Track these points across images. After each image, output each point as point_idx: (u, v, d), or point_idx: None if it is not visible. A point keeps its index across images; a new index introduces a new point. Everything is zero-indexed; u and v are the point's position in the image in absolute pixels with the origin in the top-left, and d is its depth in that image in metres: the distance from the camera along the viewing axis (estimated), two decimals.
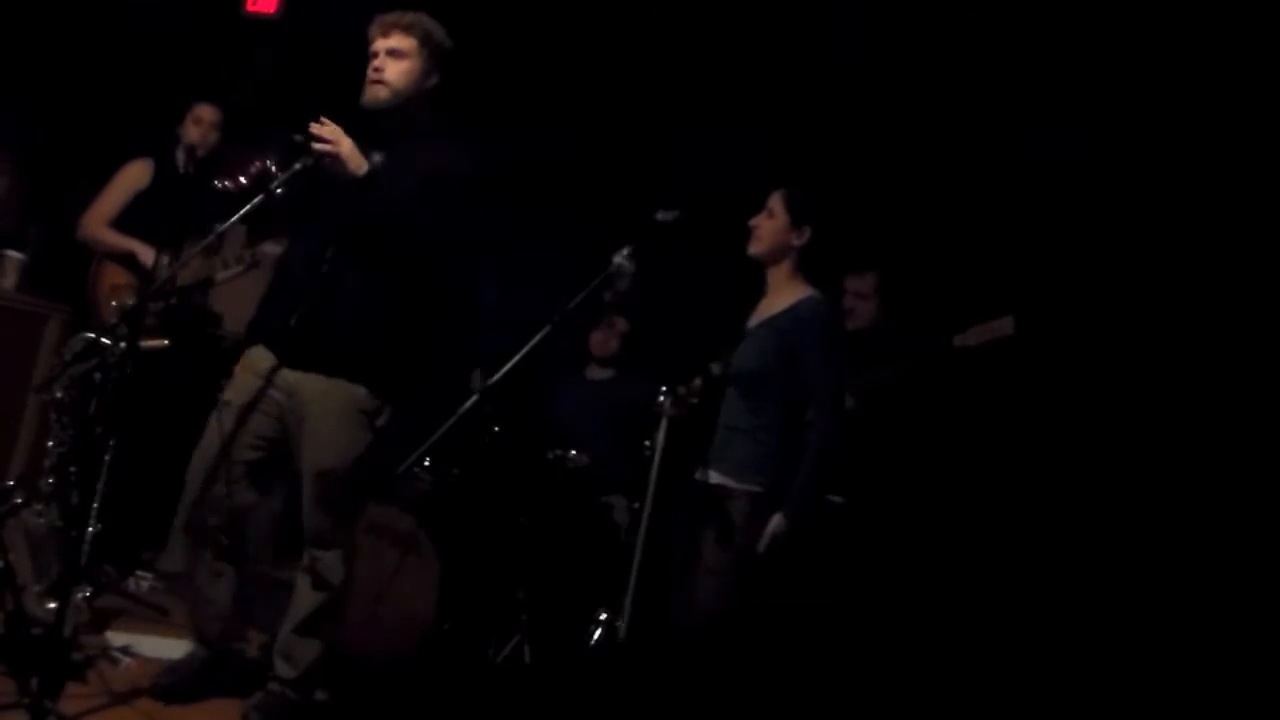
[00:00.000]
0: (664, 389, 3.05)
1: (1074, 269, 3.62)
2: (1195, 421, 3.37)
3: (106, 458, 2.85)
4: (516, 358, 2.91)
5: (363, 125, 2.73)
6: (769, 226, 3.01)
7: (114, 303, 3.66)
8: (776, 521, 2.84)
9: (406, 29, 2.79)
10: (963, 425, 3.57)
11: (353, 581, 3.50)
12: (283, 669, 2.83)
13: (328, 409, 2.76)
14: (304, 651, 2.83)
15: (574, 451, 3.94)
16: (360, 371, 2.78)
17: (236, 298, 4.46)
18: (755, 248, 3.04)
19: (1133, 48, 3.59)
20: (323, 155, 2.57)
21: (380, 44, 2.80)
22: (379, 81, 2.77)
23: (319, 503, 2.79)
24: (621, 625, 2.87)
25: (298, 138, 2.63)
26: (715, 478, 2.95)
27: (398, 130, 2.80)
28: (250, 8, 4.88)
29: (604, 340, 4.39)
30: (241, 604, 2.96)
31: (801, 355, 2.91)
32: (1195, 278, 3.44)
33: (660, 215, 3.00)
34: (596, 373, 4.45)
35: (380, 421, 2.84)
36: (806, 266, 3.05)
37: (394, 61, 2.77)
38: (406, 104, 2.80)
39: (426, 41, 2.80)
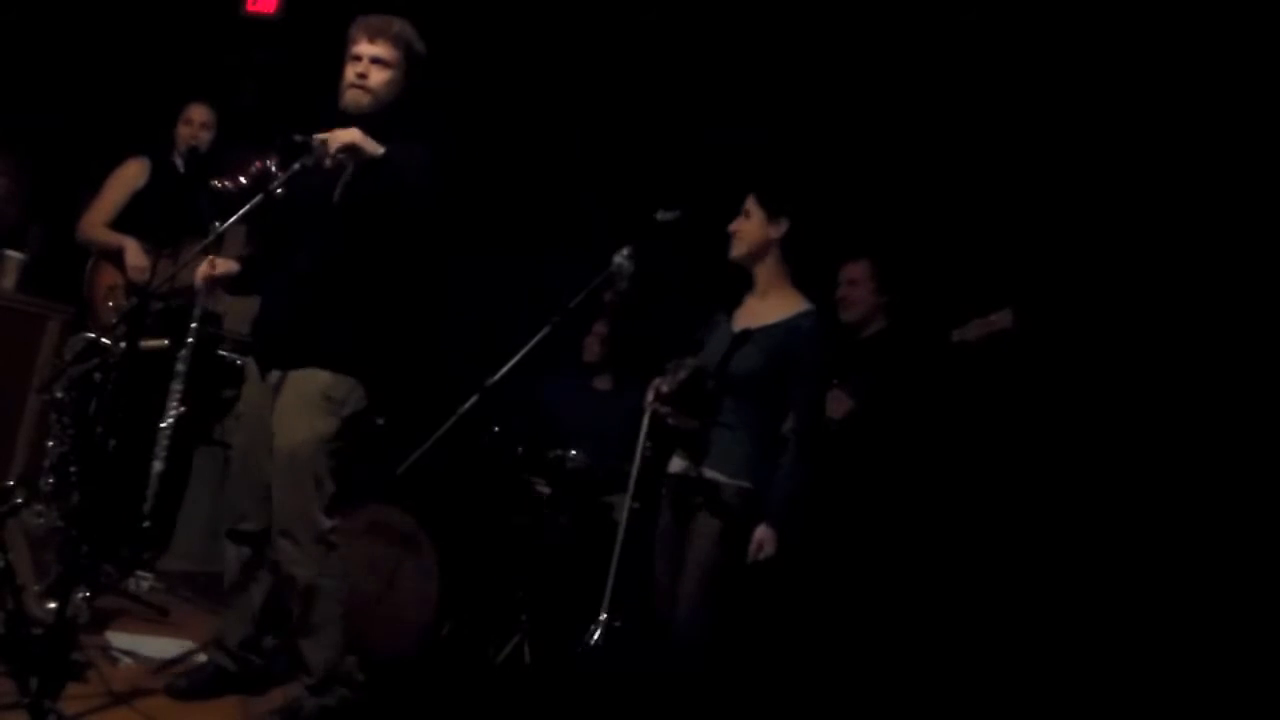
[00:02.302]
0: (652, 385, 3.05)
1: (1075, 262, 3.60)
2: (1196, 417, 3.36)
3: (107, 458, 2.86)
4: (516, 358, 2.91)
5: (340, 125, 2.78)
6: (746, 227, 3.02)
7: (110, 303, 3.65)
8: (762, 532, 2.85)
9: (394, 40, 2.85)
10: (962, 421, 3.56)
11: (352, 581, 3.52)
12: (303, 674, 2.86)
13: (293, 396, 2.83)
14: (311, 653, 2.83)
15: (574, 451, 3.94)
16: (320, 357, 2.83)
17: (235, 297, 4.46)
18: (736, 250, 3.03)
19: (1133, 38, 3.59)
20: (339, 151, 2.60)
21: (365, 49, 2.84)
22: (363, 88, 2.83)
23: (280, 488, 2.82)
24: (599, 626, 2.88)
25: (298, 138, 2.63)
26: (707, 473, 2.94)
27: (376, 134, 2.80)
28: (250, 8, 4.88)
29: (588, 346, 4.40)
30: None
31: (792, 368, 2.93)
32: (1197, 271, 3.43)
33: (660, 215, 3.00)
34: (598, 382, 4.45)
35: (348, 410, 2.84)
36: (792, 262, 3.06)
37: (378, 70, 2.84)
38: (386, 110, 2.86)
39: (409, 52, 2.88)
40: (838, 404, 3.36)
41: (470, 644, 3.66)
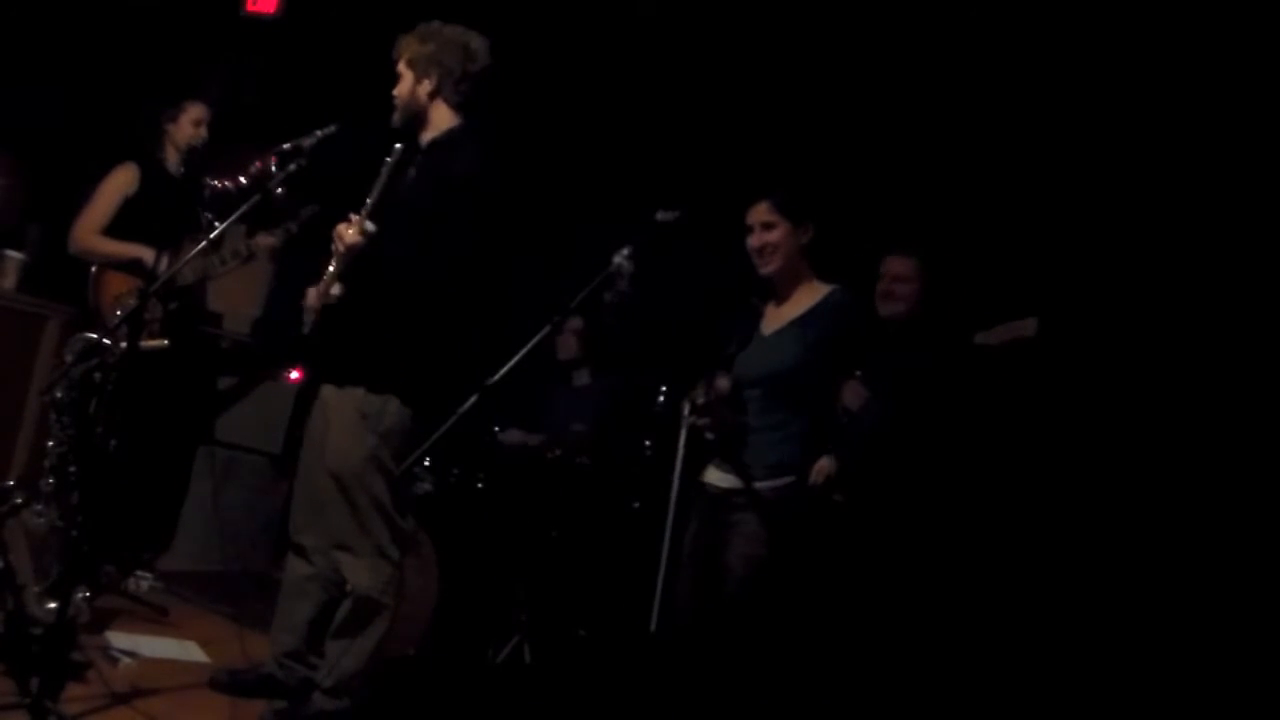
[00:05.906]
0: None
1: (1105, 275, 3.52)
2: (1214, 434, 3.30)
3: (107, 458, 2.86)
4: (516, 358, 2.91)
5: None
6: (775, 239, 2.95)
7: (119, 311, 3.62)
8: (826, 460, 2.79)
9: (401, 48, 3.00)
10: (976, 424, 3.50)
11: None
12: (321, 672, 2.87)
13: (334, 414, 2.88)
14: (339, 656, 2.83)
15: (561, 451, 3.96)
16: (355, 374, 2.86)
17: (232, 292, 4.46)
18: (770, 266, 2.97)
19: (1168, 45, 3.49)
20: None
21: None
22: (393, 104, 3.02)
23: (333, 506, 2.85)
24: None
25: (286, 147, 2.68)
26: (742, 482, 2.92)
27: (416, 138, 2.99)
28: (250, 8, 4.88)
29: (564, 344, 4.40)
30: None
31: (843, 344, 2.89)
32: (1228, 292, 3.34)
33: (660, 215, 2.99)
34: (575, 378, 4.46)
35: (384, 425, 2.84)
36: (814, 259, 3.02)
37: (398, 85, 3.01)
38: (412, 116, 3.01)
39: (408, 52, 2.99)
40: (854, 395, 3.32)
41: (470, 644, 3.66)
